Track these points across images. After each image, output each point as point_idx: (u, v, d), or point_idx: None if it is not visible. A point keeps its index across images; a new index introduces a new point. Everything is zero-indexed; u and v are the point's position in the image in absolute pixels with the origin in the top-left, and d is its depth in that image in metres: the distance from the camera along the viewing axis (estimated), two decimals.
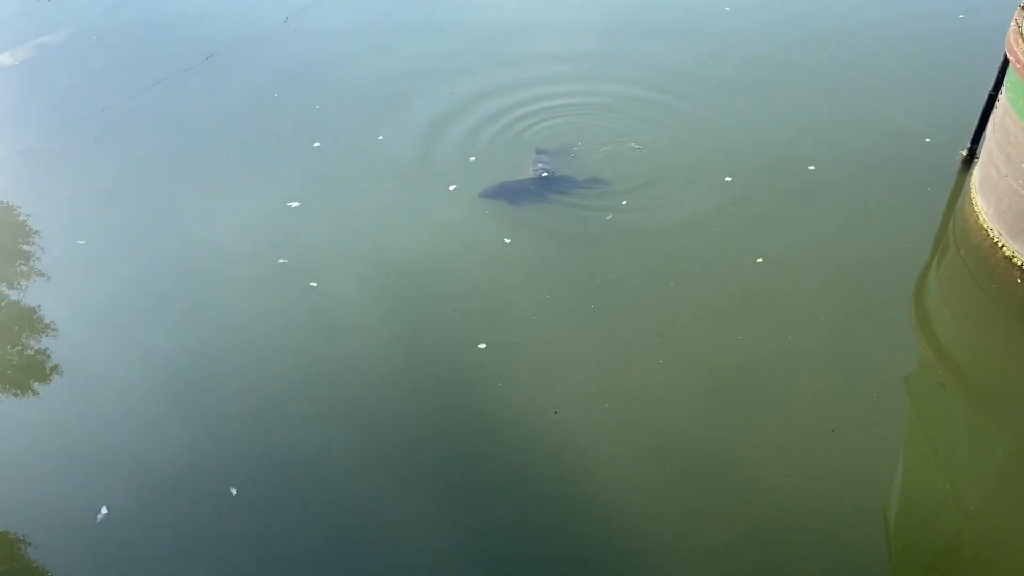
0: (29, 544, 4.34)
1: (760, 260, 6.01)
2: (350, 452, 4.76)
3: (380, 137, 7.56)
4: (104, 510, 4.42)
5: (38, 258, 6.37)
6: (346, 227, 6.52)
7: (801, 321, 5.53)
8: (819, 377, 5.14)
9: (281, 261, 6.15)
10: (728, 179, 6.88)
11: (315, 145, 7.51)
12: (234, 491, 4.52)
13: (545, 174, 6.91)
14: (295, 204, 6.73)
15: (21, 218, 6.78)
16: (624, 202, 6.67)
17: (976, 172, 6.51)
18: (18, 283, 6.12)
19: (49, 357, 5.49)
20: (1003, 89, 6.11)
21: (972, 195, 6.38)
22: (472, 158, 7.25)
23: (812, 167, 6.97)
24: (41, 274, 6.23)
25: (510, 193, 6.75)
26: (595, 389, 5.08)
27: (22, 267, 6.29)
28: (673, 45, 9.10)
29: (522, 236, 6.34)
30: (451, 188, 6.87)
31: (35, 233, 6.61)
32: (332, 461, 4.72)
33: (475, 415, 4.95)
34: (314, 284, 5.93)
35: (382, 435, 4.83)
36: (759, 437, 4.77)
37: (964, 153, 6.88)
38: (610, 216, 6.53)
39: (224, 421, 4.97)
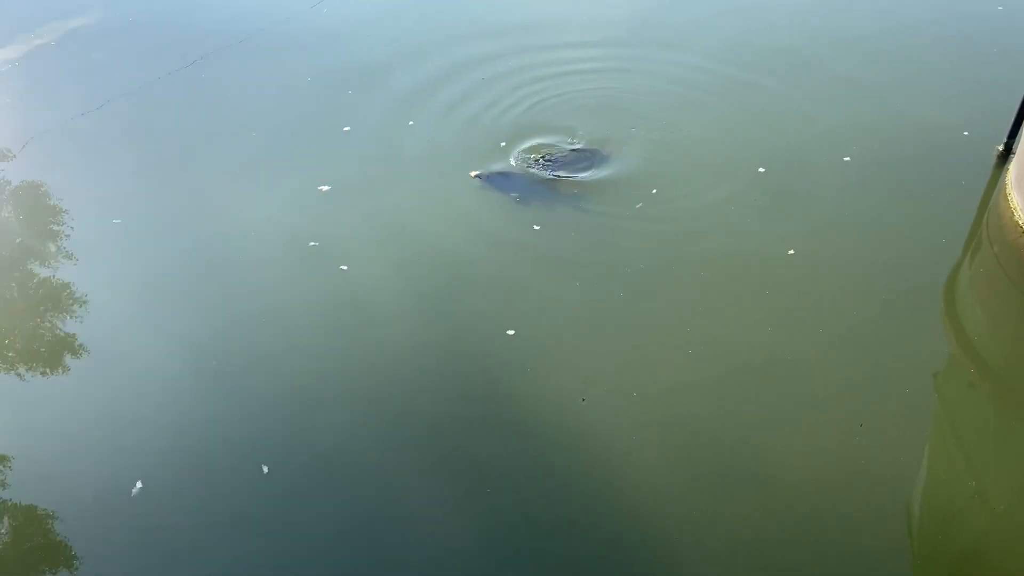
0: (63, 518, 4.44)
1: (792, 252, 5.98)
2: (377, 435, 4.82)
3: (411, 122, 7.59)
4: (139, 484, 4.52)
5: (73, 236, 6.47)
6: (376, 211, 6.56)
7: (831, 314, 5.51)
8: (848, 371, 5.13)
9: (312, 244, 6.22)
10: (761, 170, 6.83)
11: (345, 129, 7.55)
12: (265, 469, 4.60)
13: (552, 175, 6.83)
14: (326, 188, 6.78)
15: (56, 196, 6.89)
16: (654, 191, 6.65)
17: (1012, 168, 6.41)
18: (52, 261, 6.24)
19: (83, 334, 5.59)
20: None
21: (1008, 191, 6.29)
22: (503, 143, 7.26)
23: (847, 158, 6.91)
24: (75, 252, 6.33)
25: (508, 184, 6.72)
26: (623, 378, 5.10)
27: (56, 245, 6.40)
28: (704, 35, 9.04)
29: (552, 223, 6.35)
30: (472, 174, 6.89)
31: (68, 212, 6.71)
32: (359, 442, 4.79)
33: (502, 401, 4.99)
34: (344, 267, 5.99)
35: (409, 419, 4.89)
36: (786, 431, 4.77)
37: (1000, 148, 6.77)
38: (640, 204, 6.52)
39: (255, 399, 5.06)
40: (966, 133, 7.12)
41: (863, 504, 4.38)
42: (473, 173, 6.83)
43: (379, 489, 4.52)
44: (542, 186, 6.74)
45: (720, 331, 5.41)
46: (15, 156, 7.35)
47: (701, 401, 4.96)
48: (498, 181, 6.77)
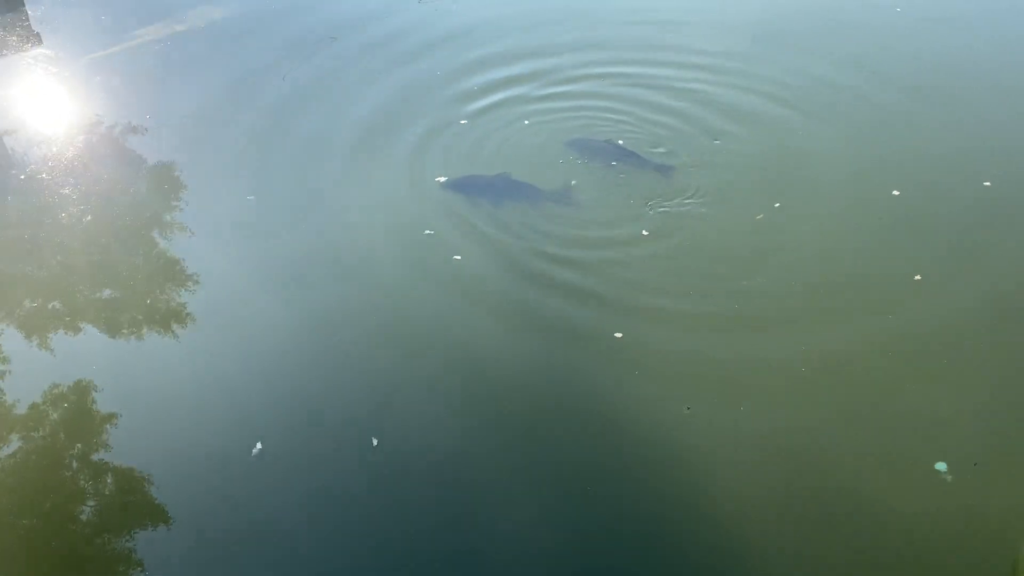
0: (189, 476, 4.72)
1: (918, 277, 5.71)
2: (478, 429, 4.90)
3: (526, 122, 7.68)
4: (259, 445, 4.78)
5: (198, 213, 6.87)
6: (489, 203, 6.67)
7: (957, 344, 5.24)
8: (967, 404, 4.87)
9: (427, 232, 6.39)
10: (896, 192, 6.58)
11: (462, 122, 7.72)
12: (375, 441, 4.77)
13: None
14: (442, 179, 6.94)
15: (184, 174, 7.34)
16: (777, 204, 6.50)
17: None
18: (179, 234, 6.63)
19: (202, 304, 5.92)
20: None
21: None
22: (620, 141, 7.26)
23: (987, 183, 6.55)
24: (199, 228, 6.71)
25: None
26: (731, 390, 5.02)
27: (184, 219, 6.80)
28: (831, 43, 8.76)
29: (664, 230, 6.30)
30: (572, 183, 6.90)
31: (199, 190, 7.13)
32: (460, 434, 4.88)
33: (605, 404, 4.99)
34: (458, 257, 6.12)
35: (511, 418, 4.94)
36: (895, 464, 4.56)
37: None
38: (760, 216, 6.39)
39: (369, 375, 5.25)
40: None
41: (966, 546, 4.16)
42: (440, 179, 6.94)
43: (471, 484, 4.60)
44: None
45: (837, 353, 5.23)
46: (148, 131, 7.85)
47: (807, 422, 4.82)
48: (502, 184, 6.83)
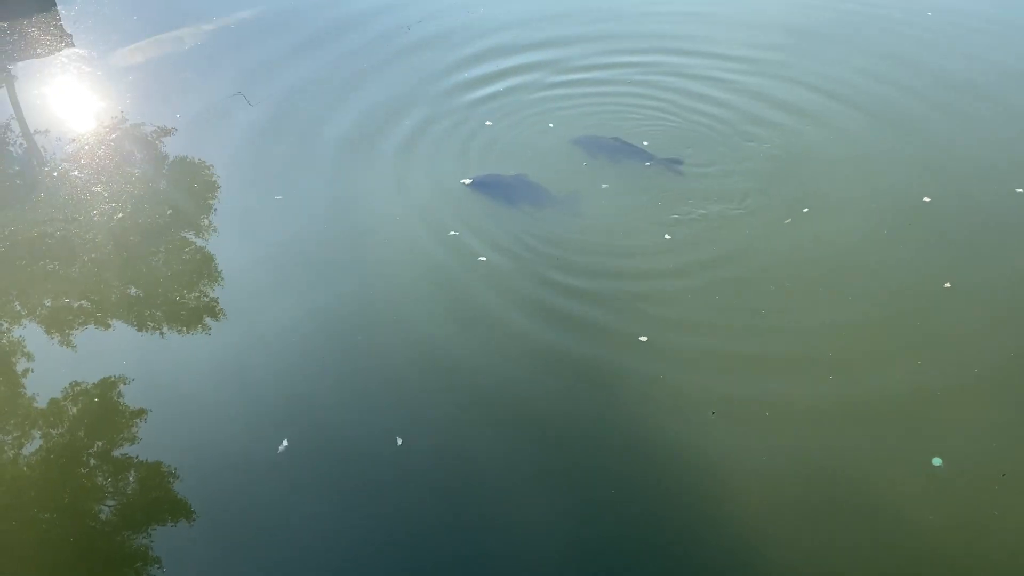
0: (215, 473, 4.76)
1: (948, 285, 5.64)
2: (502, 431, 4.90)
3: (551, 125, 7.68)
4: (285, 442, 4.82)
5: (230, 210, 6.94)
6: (515, 206, 6.68)
7: (987, 355, 5.18)
8: (996, 415, 4.81)
9: (452, 233, 6.40)
10: (926, 199, 6.51)
11: (487, 123, 7.74)
12: (399, 441, 4.79)
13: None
14: (468, 181, 6.96)
15: (212, 171, 7.41)
16: (805, 209, 6.45)
17: None
18: (206, 233, 6.68)
19: (227, 301, 5.97)
20: None
21: None
22: (645, 142, 7.25)
23: (1020, 190, 6.46)
24: (229, 227, 6.77)
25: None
26: (756, 396, 4.98)
27: (212, 218, 6.86)
28: (862, 48, 8.69)
29: (685, 233, 6.27)
30: (603, 187, 6.89)
31: (226, 189, 7.19)
32: (483, 436, 4.88)
33: (631, 409, 4.97)
34: (483, 258, 6.13)
35: (535, 421, 4.94)
36: (920, 475, 4.51)
37: None
38: (789, 220, 6.34)
39: (393, 374, 5.27)
40: None
41: (996, 566, 4.09)
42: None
43: (494, 488, 4.59)
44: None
45: (864, 361, 5.19)
46: (177, 130, 7.94)
47: (834, 434, 4.76)
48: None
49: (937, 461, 4.54)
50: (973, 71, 8.27)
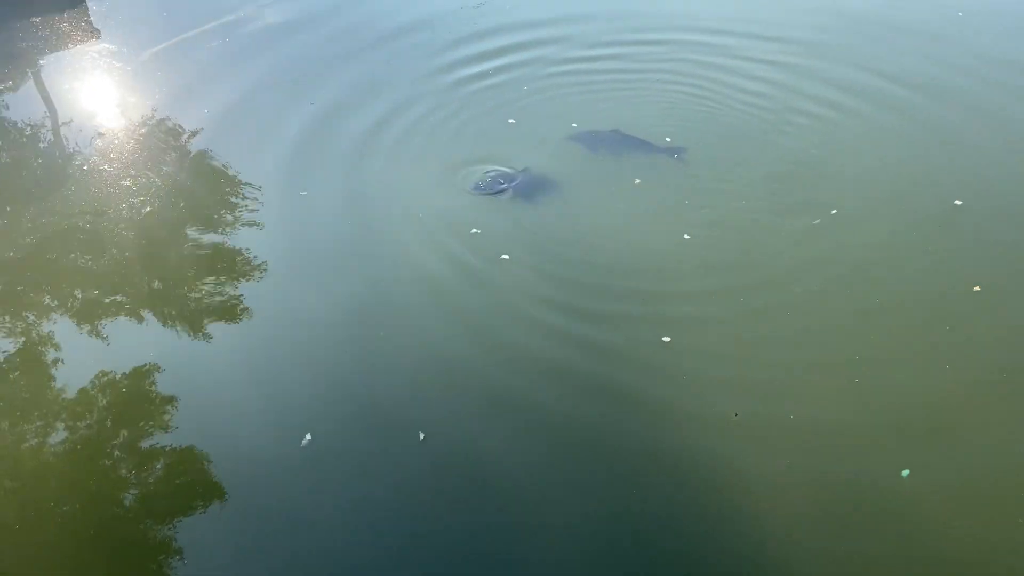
0: (239, 465, 4.81)
1: (978, 288, 5.57)
2: (525, 429, 4.91)
3: (574, 124, 7.66)
4: (308, 436, 4.85)
5: (256, 205, 6.99)
6: (537, 204, 6.68)
7: (1017, 360, 5.10)
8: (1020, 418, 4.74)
9: (474, 231, 6.42)
10: (958, 202, 6.44)
11: (510, 121, 7.74)
12: (422, 436, 4.81)
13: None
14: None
15: (240, 172, 7.46)
16: (834, 211, 6.39)
17: None
18: (232, 227, 6.74)
19: (254, 296, 6.02)
20: None
21: None
22: (668, 139, 7.23)
23: None
24: (255, 222, 6.82)
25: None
26: (781, 400, 4.95)
27: (238, 213, 6.90)
28: (893, 48, 8.60)
29: (703, 233, 6.24)
30: (636, 182, 6.86)
31: (253, 184, 7.24)
32: (505, 434, 4.89)
33: (653, 409, 4.96)
34: (505, 257, 6.14)
35: (555, 421, 4.94)
36: (948, 488, 4.45)
37: None
38: (817, 221, 6.29)
39: (416, 369, 5.29)
40: None
41: None
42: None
43: (513, 487, 4.60)
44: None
45: (890, 367, 5.13)
46: (205, 126, 8.01)
47: (860, 440, 4.71)
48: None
49: (905, 473, 4.49)
50: (1008, 73, 8.13)
